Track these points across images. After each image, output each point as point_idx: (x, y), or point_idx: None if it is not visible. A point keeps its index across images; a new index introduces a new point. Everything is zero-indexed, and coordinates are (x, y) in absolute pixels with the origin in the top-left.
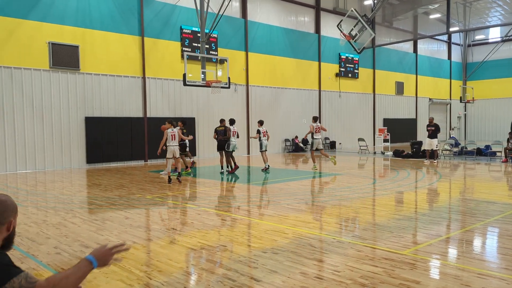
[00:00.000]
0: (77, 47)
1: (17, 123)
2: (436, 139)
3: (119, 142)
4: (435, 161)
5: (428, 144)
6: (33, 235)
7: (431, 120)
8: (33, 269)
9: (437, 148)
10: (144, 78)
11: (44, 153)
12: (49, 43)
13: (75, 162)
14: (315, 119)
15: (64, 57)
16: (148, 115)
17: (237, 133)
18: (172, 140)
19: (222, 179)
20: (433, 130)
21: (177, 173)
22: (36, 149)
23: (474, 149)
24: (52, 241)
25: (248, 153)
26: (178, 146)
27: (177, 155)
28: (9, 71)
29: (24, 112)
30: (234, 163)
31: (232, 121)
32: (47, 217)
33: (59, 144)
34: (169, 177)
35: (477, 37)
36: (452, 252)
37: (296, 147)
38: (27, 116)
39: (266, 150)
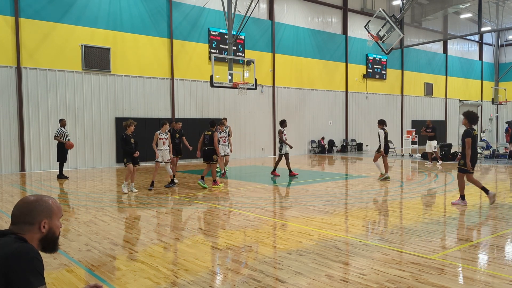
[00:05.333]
0: (108, 49)
1: (51, 123)
2: (434, 141)
3: (148, 142)
4: (438, 163)
5: (428, 146)
6: (65, 232)
7: (429, 123)
8: (65, 265)
9: (436, 150)
10: (172, 79)
11: (76, 152)
12: (81, 45)
13: (105, 162)
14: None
15: (96, 59)
16: (176, 116)
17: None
18: (163, 144)
19: (247, 179)
20: (431, 132)
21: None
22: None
23: (506, 152)
24: (83, 238)
25: (274, 154)
26: (168, 150)
27: (166, 159)
28: (44, 73)
29: (58, 112)
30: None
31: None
32: (78, 214)
33: (91, 143)
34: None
35: (510, 37)
36: (483, 258)
37: (322, 149)
38: (60, 116)
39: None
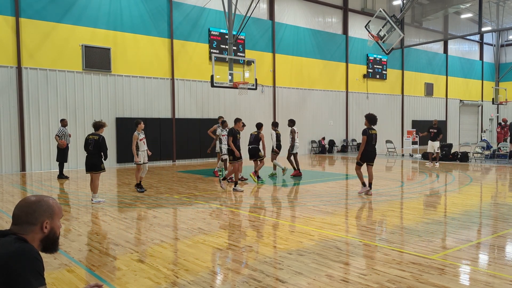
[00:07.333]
0: (108, 49)
1: (52, 123)
2: (437, 142)
3: (148, 142)
4: (437, 163)
5: (430, 146)
6: (65, 232)
7: (435, 122)
8: (66, 265)
9: (438, 151)
10: (172, 79)
11: (77, 152)
12: (82, 45)
13: (105, 162)
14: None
15: (96, 59)
16: (176, 116)
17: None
18: (144, 144)
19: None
20: (435, 133)
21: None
22: (69, 148)
23: (507, 152)
24: (84, 238)
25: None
26: (146, 151)
27: (145, 160)
28: (44, 73)
29: (58, 112)
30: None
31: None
32: (79, 214)
33: None
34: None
35: (511, 37)
36: (483, 258)
37: (322, 149)
38: (61, 116)
39: None
